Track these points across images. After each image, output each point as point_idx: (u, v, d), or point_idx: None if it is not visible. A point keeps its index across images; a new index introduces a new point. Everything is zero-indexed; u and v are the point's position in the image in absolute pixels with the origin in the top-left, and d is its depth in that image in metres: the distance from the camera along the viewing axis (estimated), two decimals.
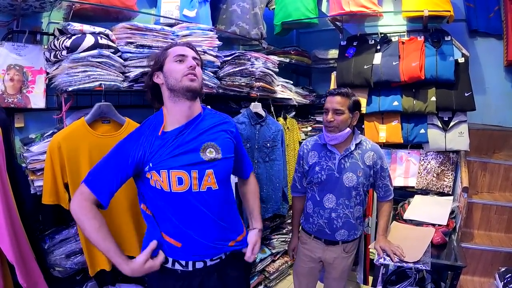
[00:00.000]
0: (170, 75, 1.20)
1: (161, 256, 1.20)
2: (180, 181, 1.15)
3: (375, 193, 2.29)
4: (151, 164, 1.15)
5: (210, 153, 1.21)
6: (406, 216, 2.25)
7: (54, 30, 1.63)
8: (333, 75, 2.92)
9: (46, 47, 1.63)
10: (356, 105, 1.69)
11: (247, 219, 1.50)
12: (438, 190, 2.61)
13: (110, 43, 1.61)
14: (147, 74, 1.30)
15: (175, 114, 1.22)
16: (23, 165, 1.53)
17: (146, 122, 1.25)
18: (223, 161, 1.24)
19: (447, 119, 2.61)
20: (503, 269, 2.05)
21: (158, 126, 1.21)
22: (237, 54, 2.24)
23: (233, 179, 2.21)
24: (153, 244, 1.19)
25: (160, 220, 1.22)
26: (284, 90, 2.85)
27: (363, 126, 2.79)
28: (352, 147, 1.70)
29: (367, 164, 1.71)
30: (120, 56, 1.65)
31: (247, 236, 1.37)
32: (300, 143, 2.95)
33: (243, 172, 1.50)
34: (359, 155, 1.71)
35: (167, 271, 1.24)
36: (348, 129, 1.68)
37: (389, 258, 1.69)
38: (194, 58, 1.24)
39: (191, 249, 1.21)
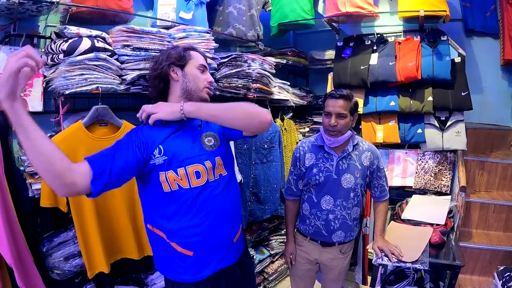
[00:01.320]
0: (193, 79, 1.27)
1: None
2: (197, 174, 1.19)
3: None
4: (161, 147, 1.16)
5: (209, 142, 1.26)
6: (404, 216, 2.25)
7: (51, 34, 1.63)
8: (330, 76, 2.93)
9: (43, 50, 1.63)
10: (356, 107, 1.69)
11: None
12: (436, 190, 2.62)
13: (107, 46, 1.61)
14: (163, 64, 1.26)
15: None
16: (21, 168, 1.53)
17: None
18: (222, 145, 1.30)
19: (444, 118, 2.62)
20: (501, 268, 2.05)
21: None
22: (233, 56, 2.25)
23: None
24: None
25: (172, 229, 1.21)
26: (281, 91, 2.85)
27: (360, 127, 2.80)
28: (350, 149, 1.70)
29: (365, 164, 1.71)
30: (116, 59, 1.66)
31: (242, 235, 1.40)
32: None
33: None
34: (357, 156, 1.71)
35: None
36: (349, 131, 1.68)
37: (387, 258, 1.69)
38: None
39: (203, 257, 1.22)
